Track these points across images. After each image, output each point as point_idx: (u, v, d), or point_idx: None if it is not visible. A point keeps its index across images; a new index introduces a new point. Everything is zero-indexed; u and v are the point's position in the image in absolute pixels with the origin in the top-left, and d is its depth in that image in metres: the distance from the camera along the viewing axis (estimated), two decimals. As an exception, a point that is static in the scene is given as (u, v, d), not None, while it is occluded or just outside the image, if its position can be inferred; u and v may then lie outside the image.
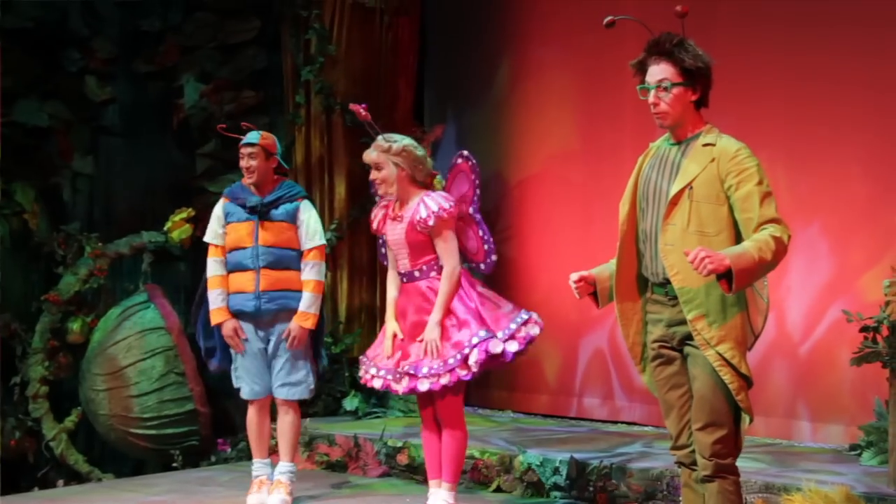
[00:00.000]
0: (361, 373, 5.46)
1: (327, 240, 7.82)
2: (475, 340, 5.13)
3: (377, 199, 5.57)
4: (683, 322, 3.93)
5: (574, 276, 4.24)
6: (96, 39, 8.24)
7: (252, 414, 5.86)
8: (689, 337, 3.94)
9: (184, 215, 7.86)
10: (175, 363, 7.48)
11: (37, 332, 7.71)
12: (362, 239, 8.03)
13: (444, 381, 5.14)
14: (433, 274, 5.29)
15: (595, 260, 7.41)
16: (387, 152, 5.32)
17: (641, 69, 4.02)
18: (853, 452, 6.12)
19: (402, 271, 5.38)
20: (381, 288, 7.89)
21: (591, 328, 7.63)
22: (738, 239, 3.89)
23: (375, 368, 5.38)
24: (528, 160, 8.01)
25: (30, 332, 7.72)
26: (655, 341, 4.06)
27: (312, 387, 5.80)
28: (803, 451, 6.41)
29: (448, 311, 5.21)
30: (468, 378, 5.18)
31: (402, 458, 6.58)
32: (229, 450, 7.38)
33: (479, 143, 8.23)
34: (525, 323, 5.25)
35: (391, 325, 5.39)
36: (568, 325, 7.74)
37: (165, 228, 7.87)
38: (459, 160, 5.48)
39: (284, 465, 5.83)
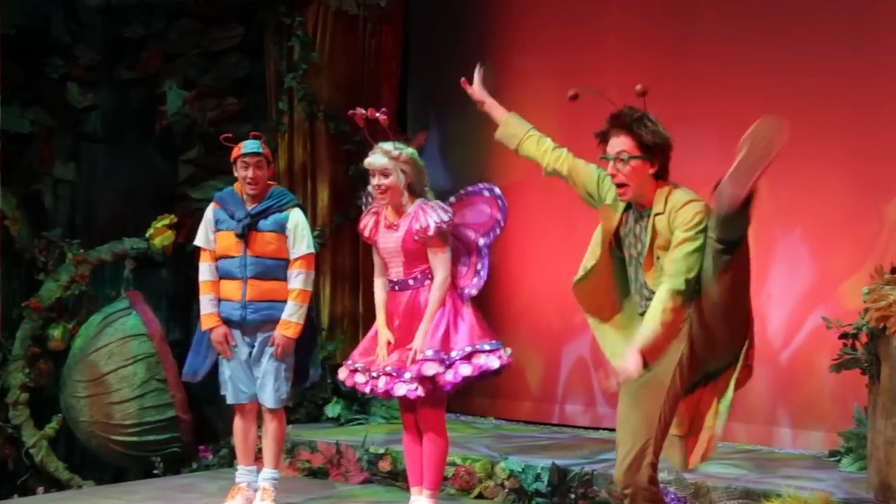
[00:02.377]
0: (345, 375, 5.44)
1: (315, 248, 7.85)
2: (419, 357, 5.16)
3: (364, 206, 5.55)
4: None
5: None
6: (79, 46, 8.22)
7: (238, 420, 5.85)
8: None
9: (166, 222, 7.85)
10: (156, 370, 7.46)
11: (17, 338, 7.68)
12: (345, 246, 8.03)
13: (420, 391, 5.16)
14: (427, 283, 5.29)
15: (576, 266, 7.45)
16: (396, 160, 5.30)
17: (604, 139, 4.21)
18: (833, 458, 6.16)
19: (395, 279, 5.36)
20: (364, 294, 7.90)
21: (574, 336, 7.65)
22: (699, 277, 4.04)
23: (363, 372, 5.37)
24: (510, 167, 8.01)
25: (10, 339, 7.69)
26: None
27: (285, 396, 5.77)
28: (783, 457, 6.44)
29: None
30: (439, 394, 5.20)
31: (384, 465, 6.58)
32: (211, 457, 7.36)
33: (461, 150, 8.26)
34: (489, 352, 5.23)
35: (384, 332, 5.38)
36: (550, 333, 7.76)
37: (147, 235, 7.85)
38: (487, 192, 5.42)
39: (268, 472, 5.82)
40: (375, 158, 5.31)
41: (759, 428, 6.74)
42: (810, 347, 6.58)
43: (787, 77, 6.69)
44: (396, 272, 5.35)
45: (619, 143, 4.12)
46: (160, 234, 7.82)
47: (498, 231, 5.41)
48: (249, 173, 5.68)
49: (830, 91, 6.55)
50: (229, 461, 7.03)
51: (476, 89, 4.68)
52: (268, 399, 5.73)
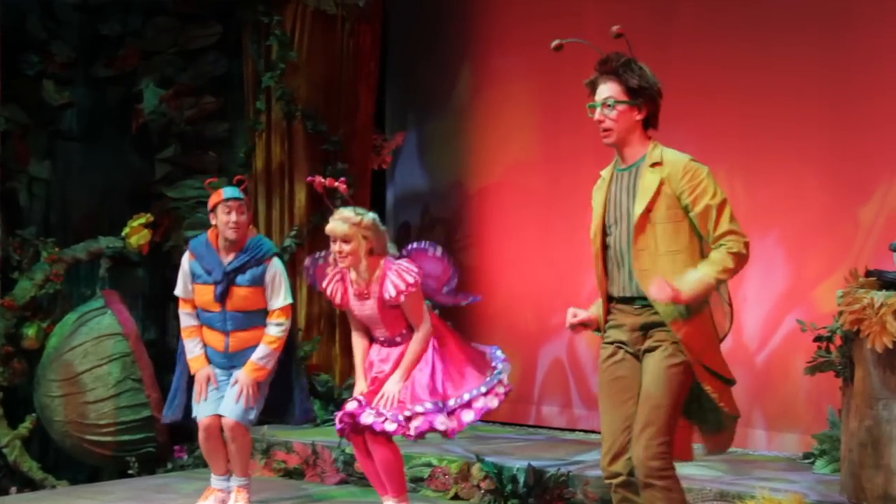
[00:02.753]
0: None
1: (287, 246, 7.84)
2: (419, 409, 5.17)
3: (316, 261, 5.53)
4: (648, 326, 4.01)
5: (572, 316, 4.21)
6: (55, 43, 8.16)
7: (201, 437, 5.79)
8: (650, 338, 4.01)
9: (142, 221, 7.81)
10: (132, 369, 7.42)
11: (-9, 337, 7.63)
12: (323, 245, 7.87)
13: (390, 427, 5.17)
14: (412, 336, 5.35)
15: (554, 267, 7.53)
16: (357, 226, 5.29)
17: (593, 88, 4.13)
18: (807, 461, 6.19)
19: (381, 338, 5.42)
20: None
21: (550, 338, 7.66)
22: (703, 249, 4.02)
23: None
24: (488, 168, 8.04)
25: (-16, 338, 7.64)
26: (613, 342, 4.10)
27: (251, 417, 5.74)
28: (758, 459, 6.48)
29: (412, 371, 5.25)
30: (409, 439, 5.25)
31: (360, 466, 6.57)
32: (186, 457, 7.33)
33: (439, 151, 8.27)
34: (486, 394, 5.26)
35: (361, 385, 5.41)
36: (527, 335, 7.77)
37: (123, 234, 7.81)
38: (431, 251, 5.40)
39: (238, 480, 5.83)
40: (336, 225, 5.31)
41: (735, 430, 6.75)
42: (785, 350, 6.61)
43: (765, 74, 6.72)
44: (381, 333, 5.42)
45: (606, 90, 4.06)
46: (136, 232, 7.78)
47: (454, 283, 5.47)
48: (233, 218, 5.65)
49: (808, 87, 6.59)
50: (204, 462, 6.98)
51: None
52: (232, 412, 5.66)
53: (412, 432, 5.18)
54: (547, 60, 7.72)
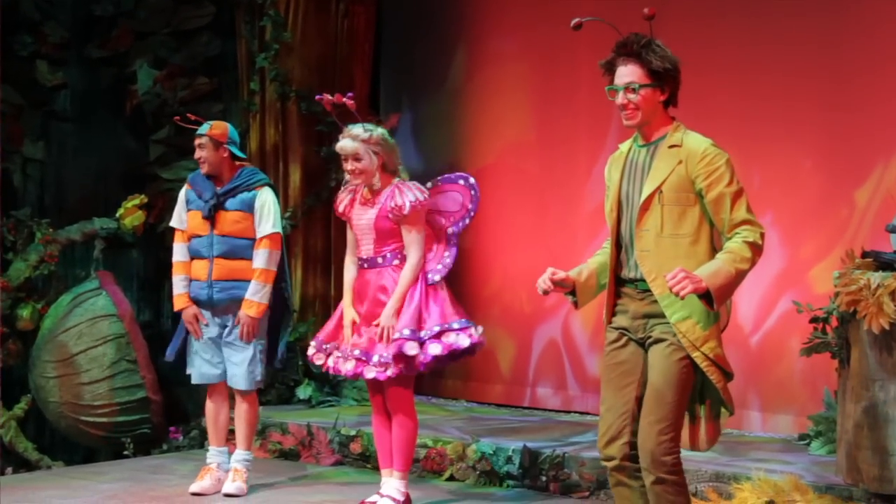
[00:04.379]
0: (320, 360, 5.45)
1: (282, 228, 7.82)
2: (395, 336, 5.17)
3: (344, 184, 5.54)
4: (647, 316, 3.96)
5: (548, 277, 4.10)
6: (48, 24, 8.13)
7: (209, 401, 5.87)
8: (652, 331, 3.95)
9: (136, 202, 7.80)
10: (127, 350, 7.42)
11: (-15, 318, 7.62)
12: (317, 227, 8.00)
13: (389, 372, 5.17)
14: (395, 262, 5.30)
15: (549, 250, 7.52)
16: (366, 142, 5.28)
17: (610, 70, 4.02)
18: (802, 442, 6.21)
19: (364, 256, 5.36)
20: (335, 276, 7.87)
21: (545, 319, 7.66)
22: (712, 237, 3.95)
23: (324, 353, 5.40)
24: (483, 150, 8.01)
25: (-22, 319, 7.63)
26: (617, 328, 4.07)
27: (259, 378, 5.78)
28: (753, 440, 6.49)
29: (405, 298, 5.23)
30: (410, 374, 5.22)
31: (356, 447, 6.58)
32: (181, 438, 7.34)
33: (434, 133, 8.24)
34: (458, 330, 5.25)
35: (349, 312, 5.39)
36: (522, 316, 7.77)
37: (118, 215, 7.80)
38: (462, 181, 5.43)
39: (241, 454, 5.83)
40: (346, 143, 5.30)
41: (730, 411, 6.77)
42: (781, 331, 6.62)
43: (759, 54, 6.70)
44: (367, 249, 5.35)
45: (628, 73, 3.96)
46: (130, 214, 7.77)
47: (468, 221, 5.45)
48: (196, 154, 5.78)
49: (803, 68, 6.57)
50: (200, 442, 7.02)
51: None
52: (240, 381, 5.73)
53: (388, 361, 5.17)
54: (542, 42, 7.72)
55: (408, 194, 5.25)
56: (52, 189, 8.19)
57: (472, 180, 5.45)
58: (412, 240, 5.27)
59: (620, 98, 3.98)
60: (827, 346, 5.46)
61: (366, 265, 5.36)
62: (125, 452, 7.27)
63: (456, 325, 5.24)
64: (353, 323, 5.35)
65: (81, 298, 7.51)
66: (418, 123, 8.34)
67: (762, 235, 3.90)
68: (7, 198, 7.83)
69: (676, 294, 3.73)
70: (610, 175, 4.13)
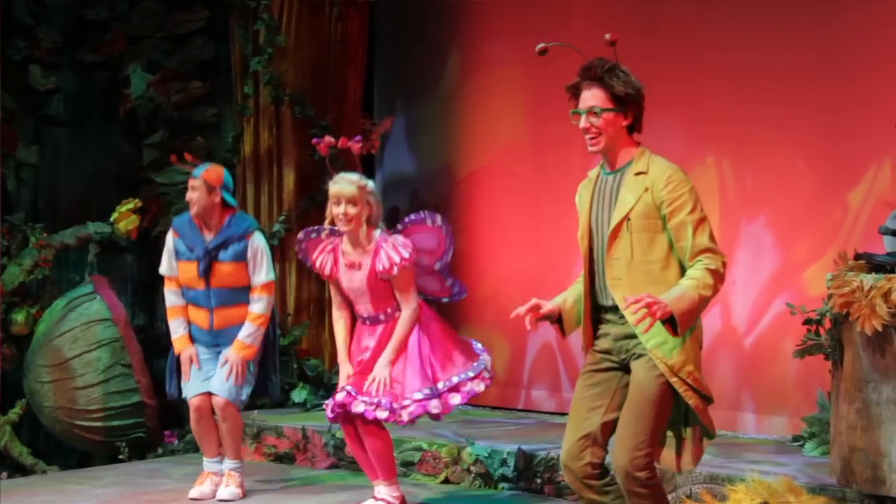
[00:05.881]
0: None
1: (275, 231, 7.83)
2: (417, 396, 5.19)
3: (300, 246, 5.50)
4: (628, 337, 3.97)
5: (529, 310, 4.13)
6: (41, 28, 8.12)
7: (192, 418, 5.83)
8: (636, 349, 3.96)
9: (130, 206, 7.79)
10: (121, 355, 7.41)
11: (-20, 323, 7.61)
12: (312, 230, 7.99)
13: (381, 415, 5.19)
14: (397, 315, 5.33)
15: (543, 252, 7.53)
16: (363, 189, 5.28)
17: (575, 94, 4.05)
18: (796, 443, 6.22)
19: (365, 315, 5.39)
20: (329, 280, 7.88)
21: (540, 322, 7.65)
22: (682, 262, 3.94)
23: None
24: (477, 153, 8.02)
25: (-27, 324, 7.62)
26: (600, 351, 4.09)
27: (243, 398, 5.77)
28: (747, 442, 6.50)
29: (401, 352, 5.25)
30: (401, 424, 5.26)
31: (351, 452, 6.58)
32: (176, 442, 7.34)
33: (428, 136, 8.25)
34: (473, 378, 5.28)
35: (346, 368, 5.41)
36: (516, 319, 7.72)
37: (112, 219, 7.79)
38: (429, 222, 5.41)
39: (231, 463, 5.84)
40: (345, 187, 5.26)
41: (724, 413, 6.76)
42: (774, 333, 6.63)
43: (753, 57, 6.71)
44: (366, 309, 5.38)
45: (591, 97, 3.98)
46: (124, 218, 7.76)
47: (449, 256, 5.45)
48: (187, 195, 5.78)
49: (796, 70, 6.58)
50: (195, 446, 6.99)
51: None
52: (222, 390, 5.70)
53: (405, 418, 5.19)
54: (534, 45, 7.69)
55: (394, 255, 5.24)
56: (45, 193, 8.18)
57: (438, 220, 5.41)
58: (404, 296, 5.31)
59: (583, 122, 4.00)
60: (820, 348, 5.47)
61: (368, 322, 5.41)
62: (120, 457, 7.27)
63: (472, 374, 5.29)
64: (348, 377, 5.37)
65: (76, 303, 7.50)
66: (412, 127, 8.35)
67: (724, 264, 3.90)
68: (1, 202, 7.82)
69: (646, 321, 3.74)
70: (581, 202, 4.16)
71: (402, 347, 5.27)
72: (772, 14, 6.69)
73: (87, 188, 8.28)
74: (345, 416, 5.33)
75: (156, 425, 7.43)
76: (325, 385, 7.53)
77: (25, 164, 8.07)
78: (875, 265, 4.93)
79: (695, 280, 3.83)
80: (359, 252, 5.30)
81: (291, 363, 7.51)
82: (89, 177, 8.30)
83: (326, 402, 5.44)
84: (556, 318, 4.18)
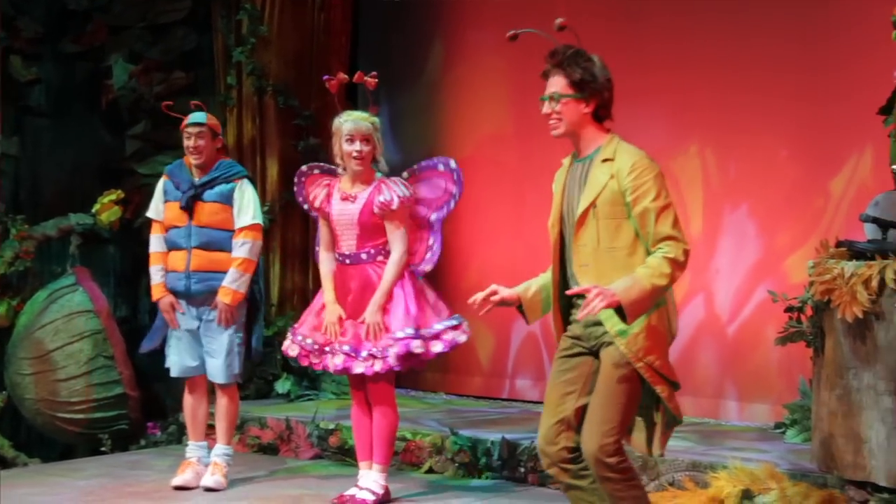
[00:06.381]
0: (295, 352, 5.43)
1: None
2: (399, 335, 5.16)
3: (300, 180, 5.49)
4: (597, 324, 3.96)
5: (491, 293, 4.16)
6: (22, 19, 8.08)
7: (187, 395, 5.86)
8: (604, 336, 3.96)
9: (112, 197, 7.76)
10: (104, 346, 7.39)
11: (-39, 315, 7.58)
12: (295, 221, 7.98)
13: (378, 367, 5.16)
14: (379, 258, 5.29)
15: (527, 241, 7.53)
16: (375, 127, 5.29)
17: (546, 79, 4.06)
18: (778, 430, 6.24)
19: (346, 252, 5.33)
20: (313, 270, 7.86)
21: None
22: (648, 248, 3.93)
23: (301, 346, 5.38)
24: (460, 142, 8.01)
25: (-46, 316, 7.58)
26: (571, 336, 4.10)
27: (237, 371, 5.77)
28: (730, 429, 6.52)
29: (390, 296, 5.23)
30: (399, 369, 5.22)
31: (334, 441, 6.58)
32: (159, 433, 7.32)
33: (411, 126, 8.24)
34: (454, 328, 5.27)
35: (335, 308, 5.35)
36: (500, 309, 7.64)
37: (94, 210, 7.76)
38: (442, 166, 5.40)
39: (220, 448, 5.83)
40: (362, 124, 5.24)
41: (706, 401, 6.81)
42: (757, 321, 6.65)
43: (737, 47, 6.73)
44: (348, 245, 5.32)
45: (553, 83, 4.00)
46: (106, 209, 7.74)
47: (452, 205, 5.44)
48: (192, 143, 5.72)
49: (779, 60, 6.60)
50: (178, 438, 7.00)
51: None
52: (218, 374, 5.73)
53: (392, 361, 5.16)
54: (520, 35, 7.70)
55: (395, 190, 5.23)
56: (27, 185, 8.15)
57: (452, 164, 5.43)
58: (397, 235, 5.26)
59: (545, 107, 4.02)
60: (802, 335, 5.48)
61: (347, 261, 5.34)
62: (102, 448, 7.25)
63: (454, 322, 5.28)
64: (340, 318, 5.33)
65: (57, 294, 7.47)
66: (396, 116, 8.33)
67: (685, 252, 3.87)
68: (-18, 194, 7.80)
69: (592, 312, 3.73)
70: (555, 189, 4.15)
71: (391, 289, 5.23)
72: (756, 4, 6.70)
73: (68, 179, 8.25)
74: (356, 382, 5.33)
75: (138, 417, 7.42)
76: (308, 376, 7.52)
77: (7, 155, 8.04)
78: (856, 252, 4.95)
79: (649, 269, 3.82)
80: (357, 188, 5.28)
81: (275, 354, 7.49)
82: (71, 168, 8.27)
83: (291, 338, 5.42)
84: (518, 306, 4.16)
